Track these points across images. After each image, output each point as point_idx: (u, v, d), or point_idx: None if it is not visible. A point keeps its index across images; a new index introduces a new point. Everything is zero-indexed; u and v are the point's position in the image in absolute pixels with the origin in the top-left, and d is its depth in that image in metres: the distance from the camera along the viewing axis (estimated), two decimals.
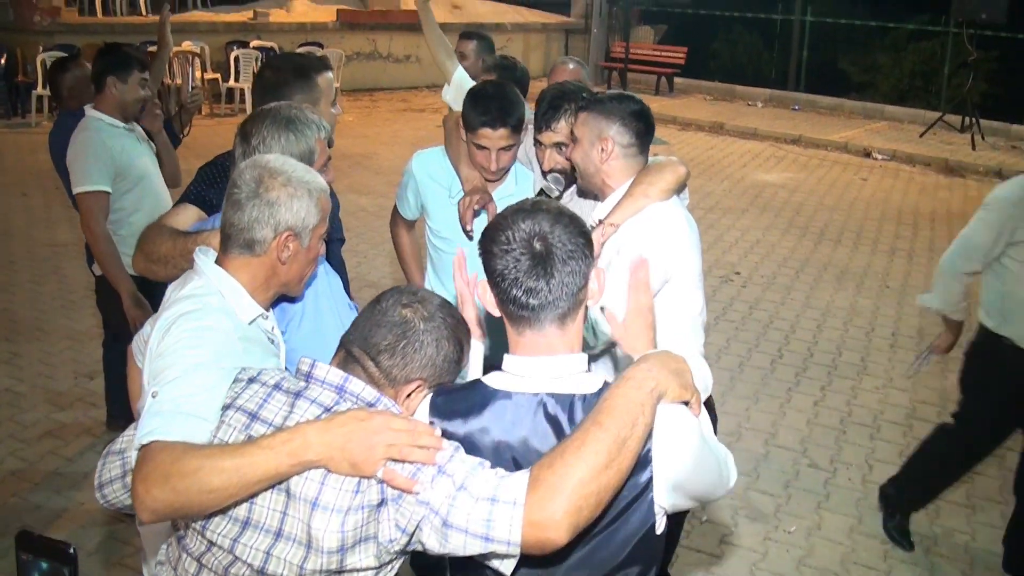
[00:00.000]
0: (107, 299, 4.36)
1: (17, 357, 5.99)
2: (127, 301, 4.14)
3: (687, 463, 1.79)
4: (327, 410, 1.84)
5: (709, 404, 3.05)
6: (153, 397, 1.90)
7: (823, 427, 5.36)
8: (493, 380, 1.89)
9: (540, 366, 1.86)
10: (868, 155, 12.72)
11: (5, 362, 5.92)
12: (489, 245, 1.87)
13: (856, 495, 4.68)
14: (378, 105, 15.64)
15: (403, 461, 1.73)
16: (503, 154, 3.27)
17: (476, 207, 3.29)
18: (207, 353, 1.96)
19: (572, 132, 2.95)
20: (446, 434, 1.84)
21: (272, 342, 2.21)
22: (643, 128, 2.87)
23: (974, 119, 13.00)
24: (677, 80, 17.15)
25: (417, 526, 1.73)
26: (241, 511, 1.83)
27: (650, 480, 1.78)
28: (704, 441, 1.84)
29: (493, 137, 3.22)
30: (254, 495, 1.80)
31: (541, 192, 3.15)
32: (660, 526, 1.85)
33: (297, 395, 1.88)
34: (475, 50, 5.17)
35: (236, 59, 14.88)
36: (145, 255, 2.62)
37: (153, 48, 14.08)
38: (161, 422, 1.84)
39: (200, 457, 1.76)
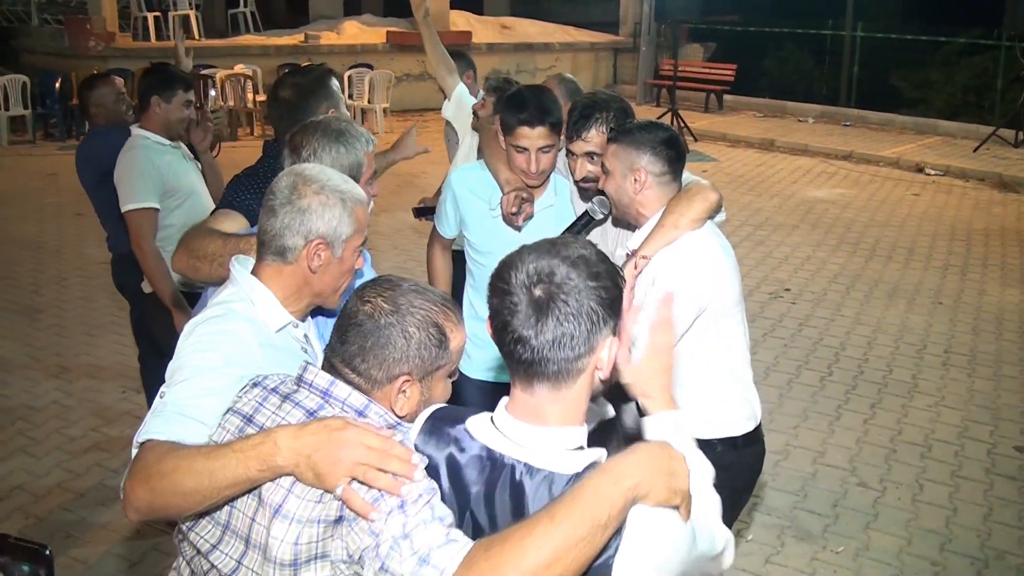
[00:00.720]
0: (155, 316, 4.44)
1: (66, 372, 6.12)
2: (179, 318, 4.21)
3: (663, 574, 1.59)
4: (311, 414, 1.79)
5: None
6: (160, 397, 1.94)
7: (872, 446, 5.28)
8: (480, 427, 1.74)
9: (527, 434, 1.68)
10: (920, 171, 12.55)
11: (54, 376, 6.05)
12: (494, 280, 1.70)
13: (906, 516, 4.61)
14: (428, 125, 15.71)
15: (367, 484, 1.64)
16: (542, 156, 3.26)
17: (516, 206, 3.29)
18: (219, 357, 1.98)
19: (603, 163, 2.94)
20: (429, 460, 1.73)
21: (306, 351, 2.20)
22: (675, 155, 2.87)
23: None
24: (727, 97, 17.08)
25: (361, 556, 1.63)
26: (223, 515, 1.81)
27: None
28: (689, 540, 1.61)
29: (532, 136, 3.21)
30: (229, 499, 1.77)
31: (585, 214, 3.13)
32: None
33: (286, 398, 1.84)
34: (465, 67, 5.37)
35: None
36: (191, 251, 2.66)
37: (206, 71, 14.51)
38: (160, 423, 1.87)
39: (178, 458, 1.75)
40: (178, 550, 1.99)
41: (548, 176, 3.42)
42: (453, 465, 1.72)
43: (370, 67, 15.99)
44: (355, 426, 1.68)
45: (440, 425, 1.78)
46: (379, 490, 1.62)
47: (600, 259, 1.68)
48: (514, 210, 3.28)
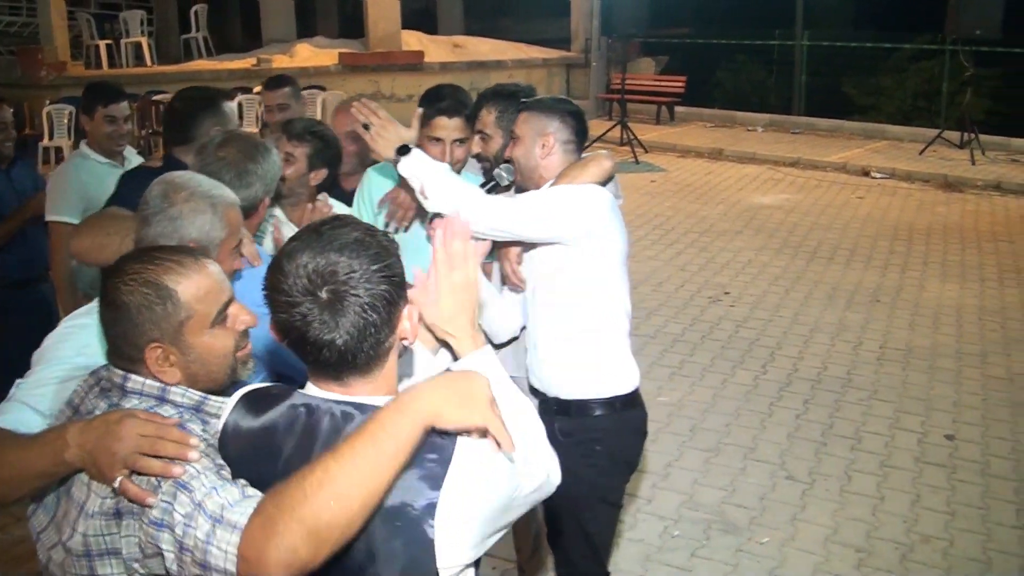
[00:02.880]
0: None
1: None
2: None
3: (489, 514, 1.58)
4: (112, 407, 1.77)
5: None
6: (16, 386, 1.99)
7: (803, 440, 5.31)
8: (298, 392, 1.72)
9: (338, 398, 1.67)
10: (866, 174, 12.68)
11: None
12: (271, 292, 1.62)
13: (833, 506, 4.64)
14: None
15: (142, 473, 1.63)
16: (457, 147, 3.32)
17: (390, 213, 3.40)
18: (69, 348, 2.03)
19: (513, 130, 3.05)
20: (236, 431, 1.70)
21: None
22: (580, 127, 3.05)
23: (973, 134, 12.96)
24: (678, 109, 17.19)
25: (158, 550, 1.60)
26: (51, 506, 1.82)
27: (431, 542, 1.54)
28: (514, 479, 1.61)
29: (448, 127, 3.29)
30: (40, 489, 1.79)
31: (491, 179, 3.17)
32: None
33: (102, 391, 1.83)
34: (291, 95, 4.90)
35: (240, 104, 15.06)
36: (99, 228, 2.73)
37: (158, 97, 14.47)
38: (4, 410, 1.93)
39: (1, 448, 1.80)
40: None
41: (459, 171, 3.46)
42: (270, 427, 1.68)
43: (323, 88, 15.99)
44: (134, 417, 1.67)
45: (250, 405, 1.74)
46: (154, 476, 1.62)
47: (370, 233, 1.65)
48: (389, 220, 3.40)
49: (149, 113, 14.27)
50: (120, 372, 1.80)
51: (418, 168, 2.86)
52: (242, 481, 1.62)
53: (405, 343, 1.70)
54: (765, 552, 4.27)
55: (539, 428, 1.75)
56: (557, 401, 3.01)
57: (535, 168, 2.99)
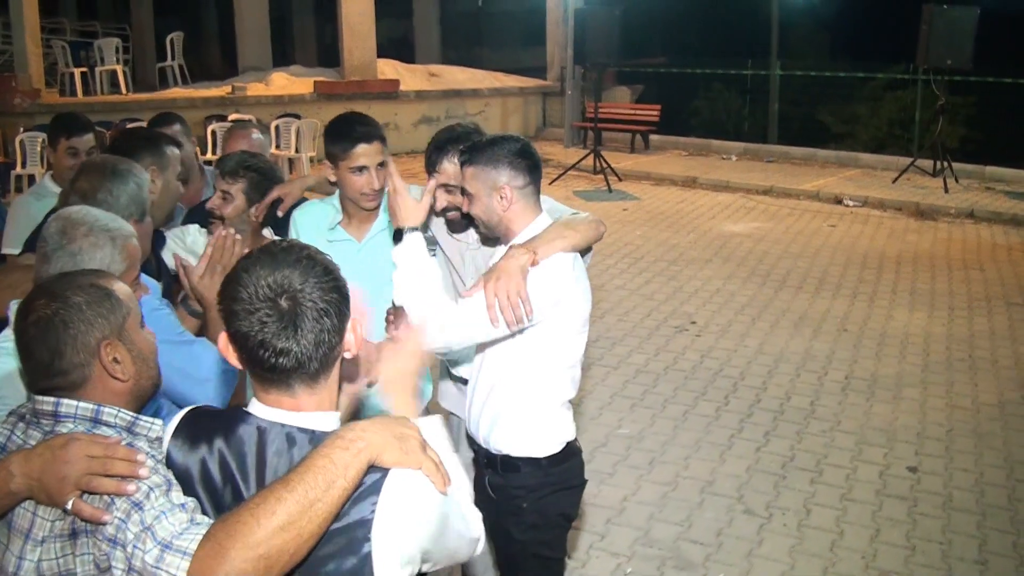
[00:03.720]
0: None
1: None
2: None
3: (412, 533, 1.65)
4: (48, 435, 1.78)
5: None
6: None
7: (763, 473, 5.21)
8: (243, 412, 1.77)
9: (283, 416, 1.73)
10: (839, 202, 12.67)
11: None
12: (229, 303, 1.68)
13: (791, 541, 4.53)
14: None
15: (95, 492, 1.66)
16: (380, 171, 3.25)
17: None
18: None
19: (463, 188, 2.88)
20: (177, 461, 1.74)
21: None
22: (532, 164, 2.85)
23: (946, 163, 12.97)
24: (653, 137, 17.21)
25: (110, 565, 1.65)
26: None
27: (368, 555, 1.62)
28: (445, 508, 1.70)
29: (370, 152, 3.21)
30: None
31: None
32: None
33: (29, 423, 1.84)
34: (183, 133, 4.44)
35: (213, 132, 14.98)
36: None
37: (133, 125, 14.38)
38: None
39: None
40: None
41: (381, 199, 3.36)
42: (221, 454, 1.73)
43: (298, 117, 15.92)
44: (78, 440, 1.71)
45: (195, 425, 1.79)
46: (109, 495, 1.66)
47: (317, 253, 1.75)
48: None
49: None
50: (50, 400, 1.80)
51: (406, 259, 2.73)
52: (191, 503, 1.67)
53: (347, 355, 1.78)
54: None
55: (468, 486, 1.88)
56: (487, 454, 2.94)
57: (499, 223, 2.84)
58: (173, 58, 18.98)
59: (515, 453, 2.85)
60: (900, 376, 6.61)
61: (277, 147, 14.89)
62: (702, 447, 5.55)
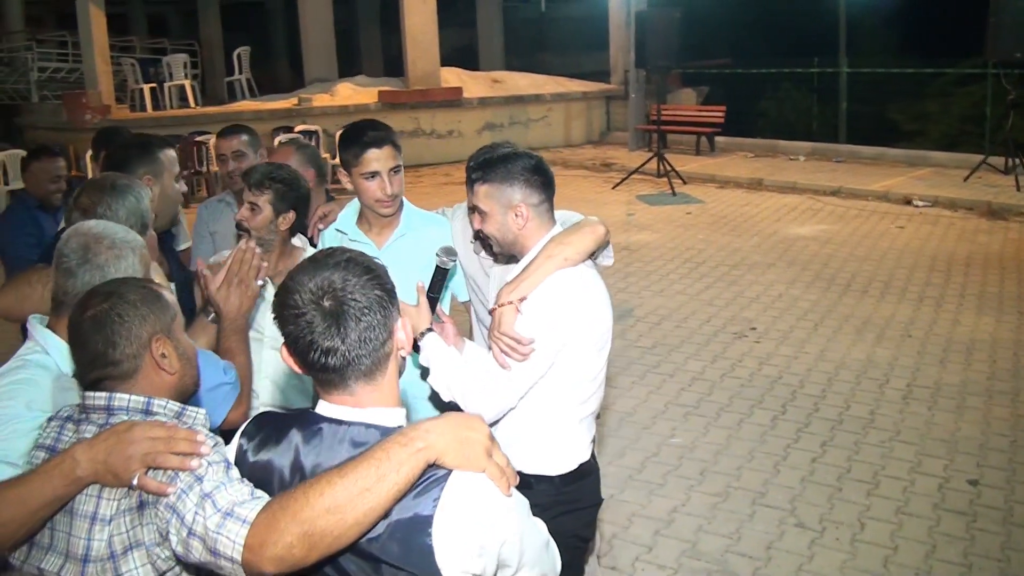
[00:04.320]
0: None
1: None
2: None
3: (477, 534, 1.68)
4: (103, 427, 1.90)
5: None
6: None
7: (817, 485, 5.09)
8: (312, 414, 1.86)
9: (348, 413, 1.81)
10: (908, 203, 12.38)
11: None
12: (280, 310, 1.80)
13: (843, 556, 4.41)
14: (421, 180, 15.81)
15: (160, 468, 1.79)
16: (394, 176, 3.27)
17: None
18: (20, 404, 2.11)
19: (476, 205, 2.84)
20: (247, 461, 1.86)
21: None
22: (546, 181, 2.81)
23: (1018, 159, 12.60)
24: (719, 139, 17.04)
25: (167, 531, 1.77)
26: (44, 539, 1.92)
27: (430, 552, 1.67)
28: (513, 512, 1.74)
29: (382, 157, 3.23)
30: (45, 519, 1.87)
31: (437, 269, 3.01)
32: None
33: (79, 422, 1.96)
34: (248, 144, 4.53)
35: (279, 144, 15.21)
36: (20, 282, 2.95)
37: (201, 138, 14.70)
38: None
39: None
40: None
41: (399, 204, 3.40)
42: (291, 453, 1.83)
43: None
44: (140, 424, 1.84)
45: (264, 427, 1.90)
46: (173, 470, 1.79)
47: (359, 255, 1.84)
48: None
49: (191, 154, 14.49)
50: (102, 395, 1.93)
51: (433, 362, 2.73)
52: (247, 482, 1.79)
53: (403, 353, 1.86)
54: None
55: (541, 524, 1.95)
56: None
57: (514, 242, 2.81)
58: (241, 72, 19.36)
59: (528, 470, 2.78)
60: (964, 384, 6.41)
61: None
62: (756, 457, 5.45)
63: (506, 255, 2.97)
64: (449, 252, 2.96)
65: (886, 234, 10.85)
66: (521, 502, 1.80)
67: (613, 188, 14.48)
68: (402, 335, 1.84)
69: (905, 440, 5.59)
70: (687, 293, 8.85)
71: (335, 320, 1.73)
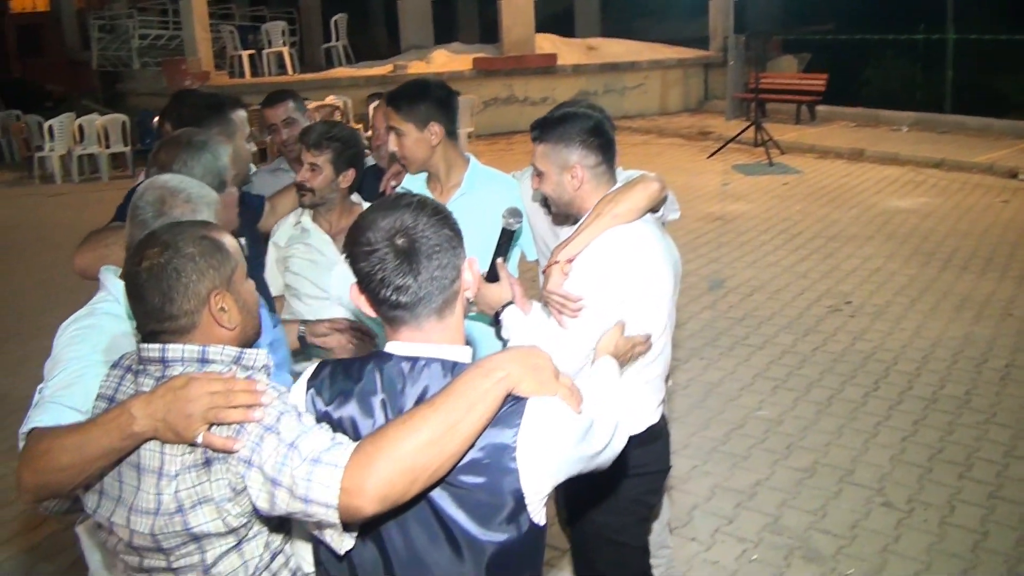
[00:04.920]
0: None
1: None
2: None
3: (555, 453, 1.76)
4: (159, 380, 1.88)
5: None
6: (39, 392, 2.10)
7: (907, 464, 4.98)
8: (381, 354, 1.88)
9: (421, 350, 1.84)
10: (1014, 176, 11.92)
11: None
12: (352, 248, 1.83)
13: (930, 538, 4.32)
14: (513, 148, 15.84)
15: (223, 423, 1.77)
16: (398, 138, 3.36)
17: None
18: (86, 348, 2.15)
19: (535, 165, 2.84)
20: (319, 408, 1.86)
21: None
22: (605, 142, 2.79)
23: None
24: (820, 108, 16.62)
25: (245, 486, 1.77)
26: (114, 490, 1.93)
27: (516, 475, 1.74)
28: (584, 426, 1.80)
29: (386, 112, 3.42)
30: (104, 469, 1.89)
31: (503, 231, 3.00)
32: (538, 516, 1.81)
33: (137, 373, 1.94)
34: (297, 108, 4.50)
35: (375, 110, 15.36)
36: (99, 241, 2.85)
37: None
38: (39, 412, 2.03)
39: (52, 438, 1.88)
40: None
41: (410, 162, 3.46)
42: (365, 394, 1.84)
43: (457, 93, 16.11)
44: (196, 379, 1.80)
45: (332, 373, 1.91)
46: (237, 423, 1.77)
47: (427, 198, 1.88)
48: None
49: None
50: (156, 346, 1.90)
51: (512, 328, 2.73)
52: (326, 427, 1.79)
53: (468, 295, 1.90)
54: None
55: (609, 395, 2.00)
56: None
57: (571, 203, 2.81)
58: (338, 39, 19.57)
59: None
60: None
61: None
62: (845, 434, 5.36)
63: (563, 215, 2.97)
64: (514, 214, 2.94)
65: (989, 208, 10.48)
66: (586, 418, 1.83)
67: (708, 157, 14.28)
68: (469, 275, 1.88)
69: (1001, 423, 5.42)
70: (781, 265, 8.71)
71: (407, 257, 1.77)
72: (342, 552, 1.80)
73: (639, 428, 2.85)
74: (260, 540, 1.95)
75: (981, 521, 4.44)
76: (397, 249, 1.77)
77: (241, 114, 3.30)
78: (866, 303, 7.56)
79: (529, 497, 1.76)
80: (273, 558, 2.00)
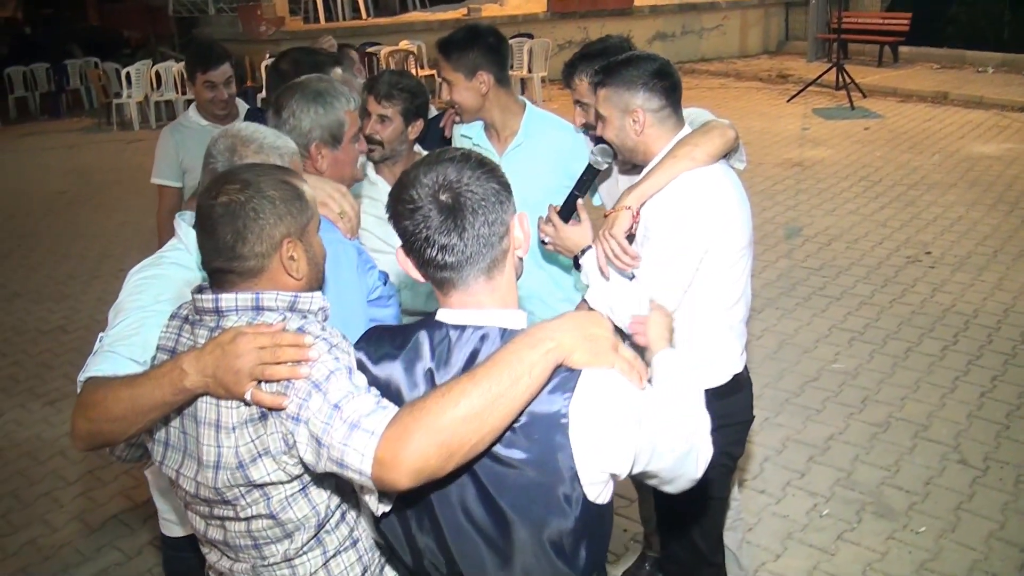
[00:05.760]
0: None
1: None
2: None
3: (611, 429, 1.66)
4: (213, 331, 1.86)
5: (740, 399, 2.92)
6: (99, 340, 2.09)
7: (984, 421, 4.90)
8: (429, 321, 1.83)
9: (471, 317, 1.77)
10: None
11: None
12: (396, 206, 1.76)
13: (1005, 498, 4.26)
14: None
15: (271, 380, 1.74)
16: (442, 84, 3.47)
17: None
18: (148, 297, 2.15)
19: (596, 110, 2.82)
20: (368, 373, 1.81)
21: None
22: (669, 85, 2.72)
23: None
24: (903, 49, 16.14)
25: (294, 440, 1.74)
26: (180, 441, 1.94)
27: (568, 451, 1.65)
28: (646, 405, 1.71)
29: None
30: (156, 420, 1.89)
31: (588, 167, 3.01)
32: (598, 496, 1.72)
33: (194, 324, 1.92)
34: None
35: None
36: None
37: (372, 48, 14.94)
38: (97, 361, 2.02)
39: (107, 388, 1.88)
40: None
41: (469, 110, 3.47)
42: (410, 360, 1.80)
43: (531, 37, 15.99)
44: (244, 333, 1.77)
45: (380, 339, 1.87)
46: (285, 380, 1.73)
47: (472, 151, 1.80)
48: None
49: (364, 65, 14.76)
50: (208, 296, 1.88)
51: (591, 273, 2.75)
52: (374, 390, 1.73)
53: (519, 254, 1.81)
54: (919, 543, 3.98)
55: (703, 419, 1.91)
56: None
57: (635, 148, 2.76)
58: None
59: None
60: None
61: (510, 68, 15.05)
62: (921, 388, 5.29)
63: (631, 163, 2.93)
64: (604, 152, 2.93)
65: None
66: (653, 404, 1.74)
67: (788, 101, 13.99)
68: (519, 232, 1.79)
69: None
70: (860, 213, 8.54)
71: (451, 214, 1.69)
72: (378, 514, 1.79)
73: (724, 378, 2.82)
74: (329, 484, 1.94)
75: None
76: (441, 205, 1.69)
77: (338, 72, 3.30)
78: (947, 253, 7.40)
79: (584, 476, 1.67)
80: (343, 503, 1.99)
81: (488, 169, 1.75)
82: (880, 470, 4.52)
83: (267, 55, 14.29)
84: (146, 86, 15.39)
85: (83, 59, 17.58)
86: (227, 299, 1.87)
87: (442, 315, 1.79)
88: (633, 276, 2.69)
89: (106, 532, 4.45)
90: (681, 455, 1.79)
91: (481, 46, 3.35)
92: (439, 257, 1.71)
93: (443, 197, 1.69)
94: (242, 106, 4.66)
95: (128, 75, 15.23)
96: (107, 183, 11.73)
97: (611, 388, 1.67)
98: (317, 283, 2.02)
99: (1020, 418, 4.91)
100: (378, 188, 3.50)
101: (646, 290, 2.61)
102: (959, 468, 4.50)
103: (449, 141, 3.76)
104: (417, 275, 1.79)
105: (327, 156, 2.63)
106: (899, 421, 4.95)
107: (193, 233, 2.20)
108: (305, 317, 1.88)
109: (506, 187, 1.77)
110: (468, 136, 3.58)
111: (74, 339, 6.80)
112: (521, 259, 1.84)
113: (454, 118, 3.69)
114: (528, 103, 3.55)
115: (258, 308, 1.87)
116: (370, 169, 3.54)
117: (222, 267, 1.88)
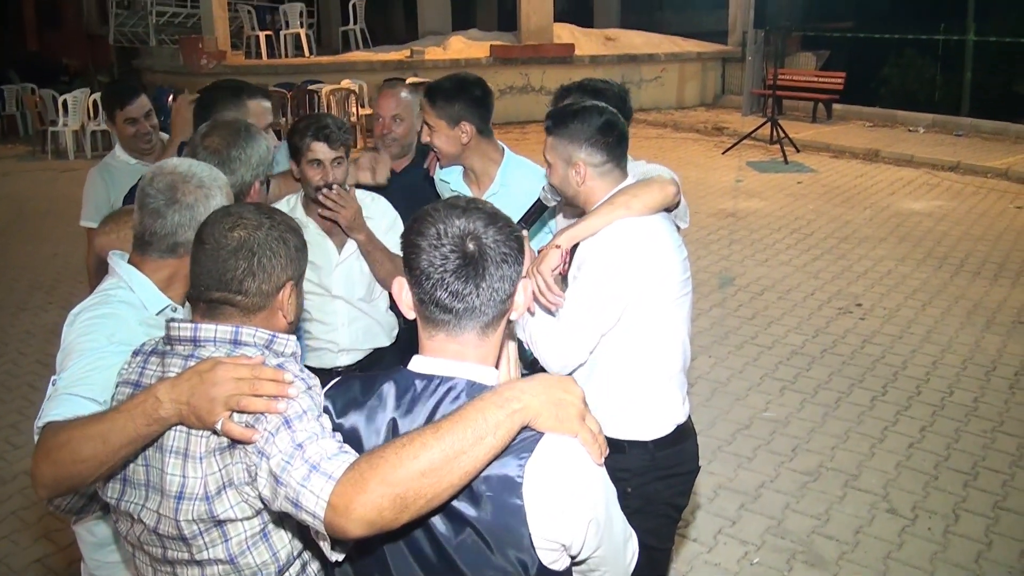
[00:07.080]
0: None
1: None
2: None
3: (565, 497, 1.63)
4: (188, 360, 1.85)
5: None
6: (53, 384, 2.05)
7: (913, 471, 4.96)
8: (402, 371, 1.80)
9: (444, 367, 1.74)
10: None
11: None
12: (416, 238, 1.73)
13: (933, 547, 4.30)
14: (527, 137, 15.76)
15: (245, 412, 1.72)
16: (424, 127, 3.50)
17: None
18: (100, 338, 2.11)
19: (544, 155, 2.85)
20: (333, 422, 1.78)
21: None
22: (613, 141, 2.76)
23: None
24: (836, 106, 16.51)
25: (255, 474, 1.72)
26: (139, 475, 1.90)
27: (522, 514, 1.61)
28: (602, 482, 1.70)
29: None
30: (127, 458, 1.85)
31: (537, 202, 3.02)
32: (553, 562, 1.67)
33: (163, 355, 1.91)
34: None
35: (380, 97, 15.30)
36: (123, 222, 2.70)
37: (314, 86, 14.91)
38: (54, 405, 1.97)
39: (71, 428, 1.83)
40: (124, 542, 2.06)
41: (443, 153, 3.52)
42: (376, 410, 1.76)
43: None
44: (223, 363, 1.76)
45: (349, 388, 1.83)
46: (259, 413, 1.72)
47: (497, 211, 1.79)
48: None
49: (304, 102, 14.73)
50: (188, 325, 1.88)
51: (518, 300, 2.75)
52: (338, 436, 1.72)
53: (513, 316, 1.81)
54: None
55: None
56: None
57: (575, 196, 2.80)
58: (356, 22, 19.51)
59: (620, 435, 2.72)
60: None
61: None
62: (851, 438, 5.34)
63: (573, 207, 2.96)
64: (555, 190, 2.95)
65: (1004, 214, 10.41)
66: (608, 484, 1.73)
67: (723, 153, 14.22)
68: (521, 297, 1.79)
69: (1008, 432, 5.40)
70: (792, 264, 8.68)
71: (473, 265, 1.69)
72: (332, 560, 1.75)
73: (666, 428, 2.82)
74: (291, 527, 1.90)
75: (985, 531, 4.42)
76: (467, 253, 1.68)
77: (263, 104, 3.30)
78: (876, 305, 7.53)
79: (539, 541, 1.63)
80: (304, 550, 1.95)
81: (512, 228, 1.76)
82: (811, 519, 4.53)
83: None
84: (83, 115, 15.13)
85: (20, 84, 17.25)
86: (207, 329, 1.87)
87: (414, 363, 1.78)
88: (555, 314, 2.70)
89: None
90: (626, 537, 1.83)
91: (466, 98, 3.40)
92: (448, 301, 1.70)
93: (469, 245, 1.69)
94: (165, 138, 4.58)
95: (65, 103, 14.98)
96: (39, 212, 11.48)
97: (569, 456, 1.65)
98: (293, 328, 2.05)
99: (948, 469, 4.98)
100: (309, 231, 3.45)
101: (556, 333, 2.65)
102: (888, 517, 4.54)
103: (432, 181, 3.83)
104: (408, 309, 1.78)
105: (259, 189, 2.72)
106: (829, 470, 4.99)
107: (135, 272, 2.26)
108: (280, 356, 1.89)
109: (522, 250, 1.78)
110: (446, 181, 3.61)
111: (0, 373, 6.59)
112: (513, 322, 1.84)
113: (436, 160, 3.73)
114: (507, 150, 3.59)
115: (236, 342, 1.87)
116: (300, 212, 3.49)
117: (220, 298, 1.89)
